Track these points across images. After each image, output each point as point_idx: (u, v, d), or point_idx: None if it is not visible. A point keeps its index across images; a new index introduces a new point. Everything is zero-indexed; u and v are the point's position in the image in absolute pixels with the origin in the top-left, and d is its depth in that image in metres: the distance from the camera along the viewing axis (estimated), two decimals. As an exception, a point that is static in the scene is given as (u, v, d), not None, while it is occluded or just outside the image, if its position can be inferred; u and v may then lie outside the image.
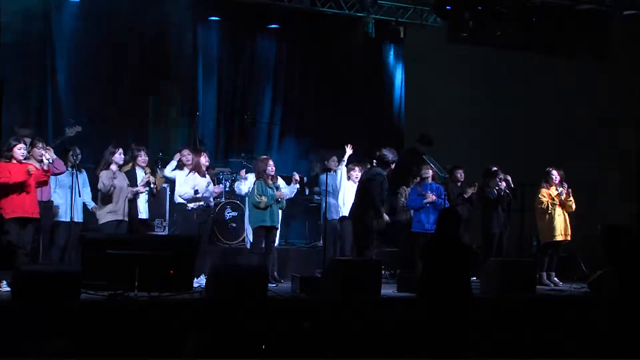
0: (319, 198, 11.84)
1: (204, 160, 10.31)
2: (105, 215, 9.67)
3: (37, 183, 8.98)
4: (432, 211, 10.86)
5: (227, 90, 13.68)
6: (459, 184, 11.83)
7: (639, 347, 5.87)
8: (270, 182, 10.33)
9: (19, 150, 8.92)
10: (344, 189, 11.10)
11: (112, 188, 9.57)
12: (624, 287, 6.12)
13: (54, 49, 12.18)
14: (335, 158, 11.52)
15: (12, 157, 8.89)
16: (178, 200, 10.31)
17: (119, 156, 9.80)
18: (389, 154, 10.00)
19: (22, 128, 10.41)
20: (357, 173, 11.04)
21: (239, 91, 13.72)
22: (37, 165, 9.03)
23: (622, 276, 6.15)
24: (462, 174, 11.82)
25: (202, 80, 13.42)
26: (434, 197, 10.95)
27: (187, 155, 10.64)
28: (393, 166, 10.06)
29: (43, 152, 9.13)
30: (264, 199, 10.16)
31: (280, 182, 10.64)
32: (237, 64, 13.76)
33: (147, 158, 10.36)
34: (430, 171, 11.11)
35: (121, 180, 9.77)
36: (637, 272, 6.23)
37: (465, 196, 11.51)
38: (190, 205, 10.14)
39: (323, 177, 11.21)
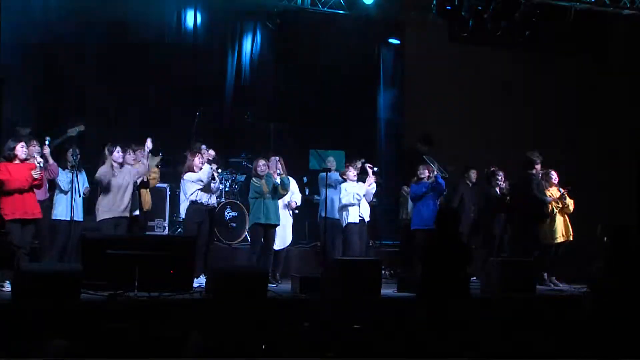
0: (318, 198, 11.82)
1: (197, 161, 10.27)
2: (102, 212, 9.66)
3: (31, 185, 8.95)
4: (432, 207, 10.83)
5: (227, 89, 13.67)
6: (470, 184, 11.85)
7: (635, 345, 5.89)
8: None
9: (22, 149, 8.92)
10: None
11: (105, 179, 9.55)
12: (622, 285, 6.14)
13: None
14: (331, 159, 11.49)
15: (15, 156, 8.89)
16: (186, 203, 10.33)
17: (117, 154, 9.79)
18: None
19: (22, 127, 10.42)
20: (353, 173, 11.04)
21: (239, 90, 13.71)
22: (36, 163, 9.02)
23: (621, 274, 6.17)
24: (476, 175, 11.84)
25: (203, 80, 13.40)
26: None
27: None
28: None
29: (39, 149, 9.11)
30: (263, 181, 10.15)
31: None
32: (237, 63, 13.74)
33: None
34: (427, 171, 11.08)
35: (124, 178, 9.76)
36: (635, 270, 6.24)
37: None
38: (195, 197, 10.14)
39: (322, 176, 11.17)
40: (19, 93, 11.50)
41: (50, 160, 9.35)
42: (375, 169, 11.27)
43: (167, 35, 13.09)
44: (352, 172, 11.05)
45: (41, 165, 9.02)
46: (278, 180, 10.28)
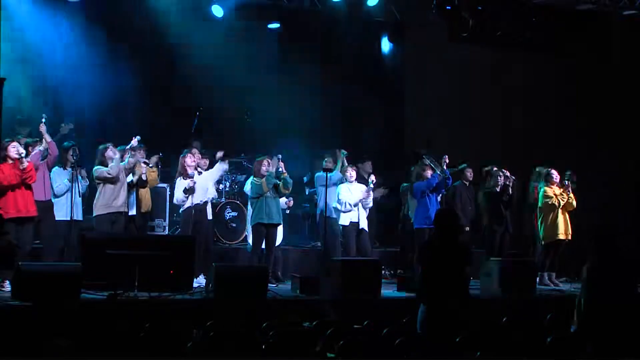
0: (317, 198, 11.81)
1: (189, 161, 10.27)
2: (99, 208, 9.67)
3: (22, 180, 8.90)
4: (435, 205, 10.80)
5: (227, 88, 13.66)
6: (467, 183, 11.85)
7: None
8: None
9: (13, 149, 8.89)
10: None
11: (119, 172, 9.56)
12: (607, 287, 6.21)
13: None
14: (331, 160, 11.48)
15: (6, 156, 8.86)
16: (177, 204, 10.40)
17: (111, 152, 9.81)
18: None
19: (21, 126, 10.43)
20: (352, 173, 11.03)
21: (239, 90, 13.69)
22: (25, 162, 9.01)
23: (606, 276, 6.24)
24: (472, 174, 11.85)
25: (202, 79, 13.40)
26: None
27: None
28: None
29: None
30: (263, 180, 10.15)
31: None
32: (236, 63, 13.73)
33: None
34: (430, 172, 11.07)
35: (121, 176, 9.77)
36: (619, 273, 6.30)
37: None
38: (187, 205, 10.15)
39: (321, 176, 11.16)
40: (18, 93, 11.50)
41: (48, 138, 9.32)
42: (374, 182, 11.19)
43: (167, 34, 13.07)
44: (349, 174, 11.03)
45: (22, 155, 8.93)
46: (279, 180, 10.30)
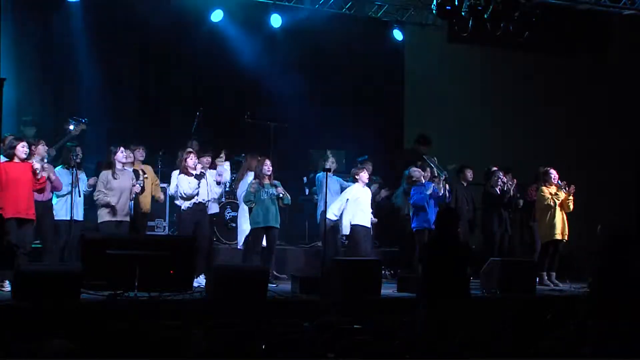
0: (318, 198, 11.80)
1: (190, 163, 10.23)
2: (104, 214, 9.66)
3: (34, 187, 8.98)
4: (432, 207, 10.80)
5: (227, 89, 13.66)
6: (465, 183, 11.85)
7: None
8: (266, 181, 10.32)
9: (22, 149, 8.90)
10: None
11: (105, 198, 9.54)
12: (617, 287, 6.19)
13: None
14: (332, 159, 11.47)
15: (14, 155, 8.87)
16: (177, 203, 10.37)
17: (121, 155, 9.79)
18: None
19: (27, 127, 10.43)
20: (366, 175, 11.01)
21: (238, 89, 13.70)
22: (38, 165, 9.03)
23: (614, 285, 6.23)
24: (472, 174, 11.84)
25: (202, 78, 13.40)
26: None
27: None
28: None
29: (46, 148, 9.10)
30: (251, 201, 10.17)
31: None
32: (237, 62, 13.74)
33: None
34: (418, 172, 11.04)
35: (125, 180, 9.74)
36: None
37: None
38: (186, 204, 10.14)
39: (320, 176, 11.15)
40: (19, 93, 11.50)
41: (53, 176, 9.31)
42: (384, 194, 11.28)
43: (168, 35, 13.07)
44: (365, 175, 11.02)
45: (38, 170, 8.99)
46: (274, 190, 10.29)
